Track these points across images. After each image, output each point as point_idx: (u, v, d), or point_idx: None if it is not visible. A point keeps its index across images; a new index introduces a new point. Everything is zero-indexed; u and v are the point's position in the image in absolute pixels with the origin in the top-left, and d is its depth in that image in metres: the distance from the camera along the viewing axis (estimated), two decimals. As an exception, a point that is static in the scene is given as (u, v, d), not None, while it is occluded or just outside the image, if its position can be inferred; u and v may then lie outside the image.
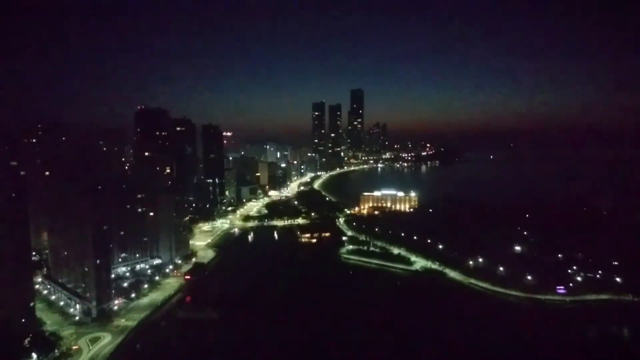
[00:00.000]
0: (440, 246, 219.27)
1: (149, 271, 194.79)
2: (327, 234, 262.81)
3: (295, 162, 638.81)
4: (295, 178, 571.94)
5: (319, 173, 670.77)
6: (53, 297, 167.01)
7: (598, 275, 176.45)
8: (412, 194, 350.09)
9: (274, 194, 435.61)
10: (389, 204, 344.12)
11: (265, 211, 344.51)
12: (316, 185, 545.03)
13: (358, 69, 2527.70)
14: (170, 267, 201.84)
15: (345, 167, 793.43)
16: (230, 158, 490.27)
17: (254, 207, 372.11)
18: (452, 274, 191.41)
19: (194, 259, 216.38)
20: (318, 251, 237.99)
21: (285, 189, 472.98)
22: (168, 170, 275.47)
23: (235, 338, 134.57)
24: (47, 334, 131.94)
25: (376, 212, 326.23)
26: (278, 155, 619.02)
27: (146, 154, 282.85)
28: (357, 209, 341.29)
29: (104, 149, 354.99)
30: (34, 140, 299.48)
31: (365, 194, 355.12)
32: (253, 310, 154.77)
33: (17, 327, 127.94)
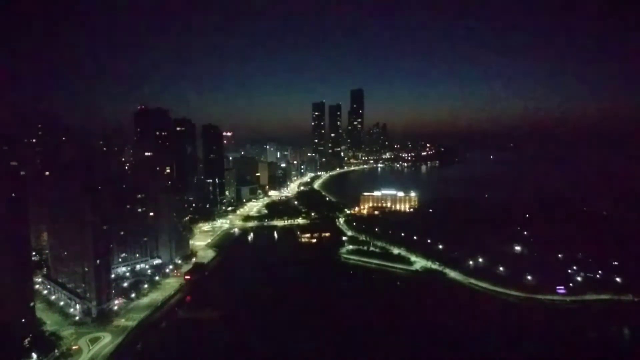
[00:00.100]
0: (440, 246, 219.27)
1: (149, 271, 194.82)
2: (327, 234, 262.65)
3: (295, 162, 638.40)
4: (295, 178, 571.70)
5: (319, 173, 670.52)
6: (53, 297, 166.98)
7: (598, 275, 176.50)
8: (412, 194, 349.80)
9: (274, 194, 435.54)
10: (389, 204, 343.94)
11: (265, 211, 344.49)
12: (316, 185, 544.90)
13: (358, 69, 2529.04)
14: (170, 267, 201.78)
15: (345, 167, 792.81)
16: (230, 158, 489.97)
17: (254, 207, 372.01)
18: (452, 274, 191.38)
19: (194, 259, 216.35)
20: (318, 251, 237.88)
21: (285, 189, 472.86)
22: (168, 170, 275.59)
23: (235, 338, 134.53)
24: (47, 334, 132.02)
25: (376, 212, 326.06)
26: (278, 155, 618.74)
27: (146, 154, 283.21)
28: (357, 209, 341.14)
29: (104, 149, 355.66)
30: (34, 140, 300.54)
31: (365, 194, 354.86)
32: (253, 310, 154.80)
33: (17, 327, 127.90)
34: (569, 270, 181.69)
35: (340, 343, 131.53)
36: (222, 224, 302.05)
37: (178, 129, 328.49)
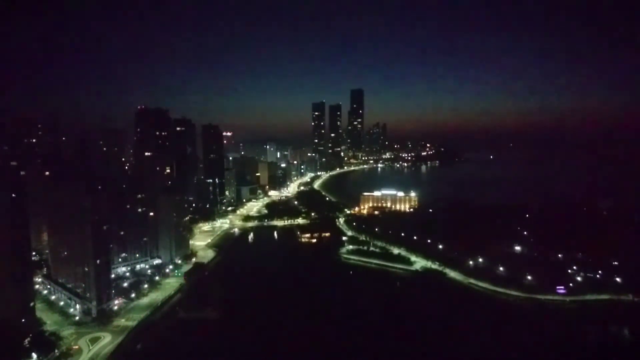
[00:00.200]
0: (440, 246, 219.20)
1: (149, 271, 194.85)
2: (327, 234, 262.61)
3: (295, 162, 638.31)
4: (295, 178, 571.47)
5: (319, 173, 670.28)
6: (53, 297, 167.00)
7: (598, 275, 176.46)
8: (412, 194, 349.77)
9: (274, 194, 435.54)
10: (389, 204, 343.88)
11: (265, 211, 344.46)
12: (316, 185, 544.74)
13: (358, 69, 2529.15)
14: (170, 267, 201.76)
15: (345, 167, 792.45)
16: (230, 158, 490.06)
17: (254, 207, 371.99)
18: (452, 274, 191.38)
19: (194, 259, 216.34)
20: (318, 251, 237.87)
21: (285, 189, 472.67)
22: (168, 170, 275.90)
23: (235, 338, 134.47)
24: (47, 334, 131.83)
25: (376, 212, 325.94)
26: (278, 155, 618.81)
27: (146, 154, 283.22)
28: (357, 209, 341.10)
29: (104, 149, 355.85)
30: (34, 140, 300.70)
31: (365, 194, 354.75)
32: (253, 310, 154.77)
33: (17, 327, 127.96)
34: (569, 270, 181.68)
35: (341, 343, 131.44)
36: (222, 224, 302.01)
37: (178, 129, 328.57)
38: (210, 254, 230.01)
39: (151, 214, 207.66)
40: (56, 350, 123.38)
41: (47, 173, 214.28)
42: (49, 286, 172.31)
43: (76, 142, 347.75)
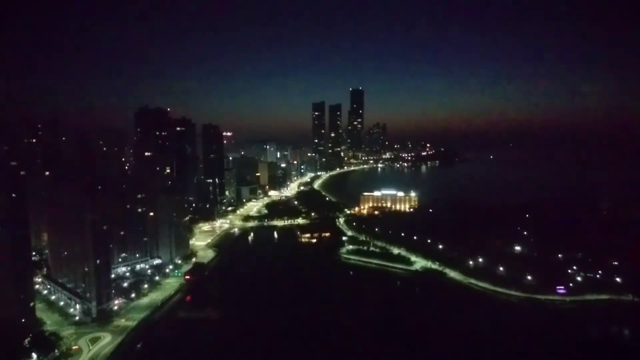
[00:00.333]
0: (440, 246, 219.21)
1: (149, 271, 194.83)
2: (327, 234, 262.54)
3: (295, 162, 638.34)
4: (295, 178, 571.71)
5: (319, 173, 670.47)
6: (53, 297, 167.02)
7: (598, 275, 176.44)
8: (412, 194, 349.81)
9: (274, 194, 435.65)
10: (389, 204, 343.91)
11: (265, 211, 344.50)
12: (316, 185, 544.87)
13: (358, 69, 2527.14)
14: (170, 267, 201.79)
15: (345, 167, 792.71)
16: (230, 158, 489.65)
17: (254, 207, 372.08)
18: (452, 274, 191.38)
19: (194, 259, 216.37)
20: (318, 251, 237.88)
21: (285, 189, 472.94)
22: (168, 170, 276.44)
23: (235, 338, 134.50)
24: (47, 334, 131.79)
25: (376, 212, 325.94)
26: (278, 155, 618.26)
27: (146, 154, 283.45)
28: (357, 209, 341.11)
29: (104, 149, 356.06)
30: (34, 140, 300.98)
31: (365, 194, 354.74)
32: (253, 310, 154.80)
33: (17, 327, 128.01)
34: (569, 270, 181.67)
35: (340, 343, 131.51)
36: (222, 224, 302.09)
37: (178, 129, 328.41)
38: (210, 254, 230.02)
39: (151, 214, 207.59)
40: (56, 350, 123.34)
41: (47, 173, 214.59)
42: (49, 286, 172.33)
43: (76, 142, 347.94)
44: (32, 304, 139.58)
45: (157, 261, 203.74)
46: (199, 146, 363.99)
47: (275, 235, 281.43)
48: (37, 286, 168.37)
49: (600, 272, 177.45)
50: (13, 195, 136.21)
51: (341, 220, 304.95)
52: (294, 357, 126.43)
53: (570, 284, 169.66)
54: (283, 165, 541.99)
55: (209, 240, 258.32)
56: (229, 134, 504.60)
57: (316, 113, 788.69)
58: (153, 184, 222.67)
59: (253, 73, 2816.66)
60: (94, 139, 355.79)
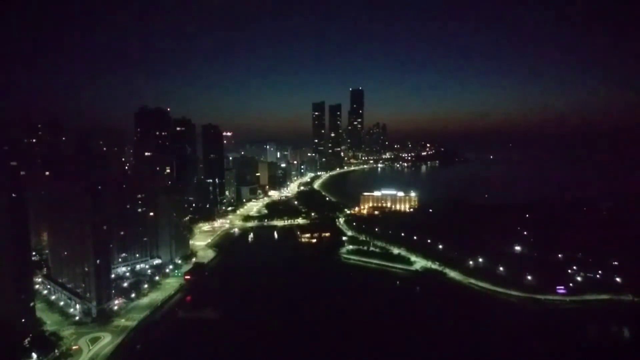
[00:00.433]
0: (440, 246, 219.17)
1: (149, 271, 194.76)
2: (327, 234, 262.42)
3: (295, 162, 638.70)
4: (295, 178, 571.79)
5: (319, 173, 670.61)
6: (53, 297, 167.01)
7: (598, 275, 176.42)
8: (412, 194, 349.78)
9: (274, 194, 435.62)
10: (389, 204, 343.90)
11: (265, 211, 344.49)
12: (316, 185, 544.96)
13: (358, 69, 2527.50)
14: (170, 267, 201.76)
15: (345, 167, 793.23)
16: (230, 158, 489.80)
17: (254, 207, 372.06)
18: (452, 274, 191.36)
19: (194, 259, 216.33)
20: (318, 251, 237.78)
21: (285, 189, 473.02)
22: (168, 170, 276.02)
23: (235, 338, 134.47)
24: (47, 334, 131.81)
25: (376, 212, 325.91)
26: (278, 155, 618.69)
27: (146, 154, 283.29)
28: (357, 209, 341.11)
29: (104, 149, 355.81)
30: (34, 140, 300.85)
31: (365, 194, 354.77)
32: (253, 310, 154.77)
33: (17, 327, 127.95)
34: (569, 270, 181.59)
35: (340, 343, 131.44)
36: (222, 224, 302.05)
37: (178, 129, 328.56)
38: (210, 254, 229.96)
39: (151, 214, 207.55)
40: (56, 350, 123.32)
41: (47, 173, 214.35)
42: (49, 286, 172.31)
43: (76, 142, 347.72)
44: (32, 304, 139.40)
45: (157, 261, 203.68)
46: (199, 146, 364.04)
47: (275, 235, 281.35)
48: (37, 286, 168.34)
49: (600, 272, 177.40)
50: (13, 195, 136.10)
51: (341, 220, 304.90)
52: (294, 357, 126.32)
53: (570, 284, 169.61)
54: (283, 165, 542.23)
55: (209, 240, 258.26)
56: (229, 134, 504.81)
57: (316, 113, 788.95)
58: (153, 184, 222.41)
59: (253, 73, 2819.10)
60: (94, 139, 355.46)
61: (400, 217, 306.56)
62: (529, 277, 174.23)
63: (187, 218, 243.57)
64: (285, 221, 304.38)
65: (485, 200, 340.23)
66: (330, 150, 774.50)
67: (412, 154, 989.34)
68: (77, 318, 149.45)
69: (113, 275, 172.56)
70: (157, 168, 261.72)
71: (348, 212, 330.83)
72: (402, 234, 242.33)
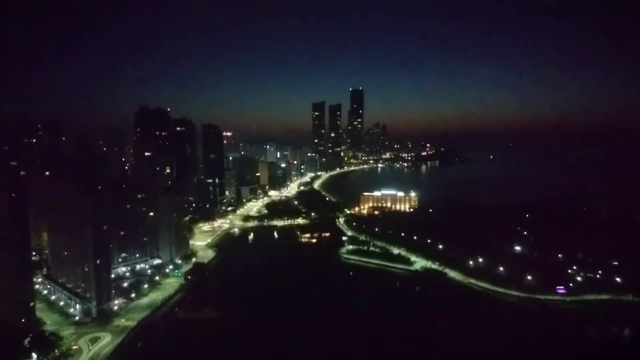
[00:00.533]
0: (440, 246, 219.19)
1: (149, 271, 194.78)
2: (327, 234, 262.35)
3: (295, 162, 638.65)
4: (295, 178, 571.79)
5: (319, 173, 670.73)
6: (53, 297, 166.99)
7: (598, 275, 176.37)
8: (412, 194, 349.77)
9: (274, 194, 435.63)
10: (389, 204, 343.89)
11: (265, 211, 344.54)
12: (316, 185, 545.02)
13: (358, 69, 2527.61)
14: (170, 267, 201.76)
15: (345, 167, 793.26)
16: (230, 158, 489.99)
17: (254, 207, 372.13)
18: (452, 274, 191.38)
19: (194, 259, 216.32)
20: (318, 251, 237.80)
21: (285, 189, 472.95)
22: (168, 170, 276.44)
23: (235, 338, 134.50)
24: (47, 334, 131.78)
25: (376, 212, 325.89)
26: (278, 155, 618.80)
27: (146, 154, 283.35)
28: (357, 209, 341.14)
29: (104, 149, 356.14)
30: (34, 140, 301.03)
31: (365, 194, 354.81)
32: (253, 310, 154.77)
33: (17, 327, 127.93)
34: (569, 270, 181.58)
35: (340, 343, 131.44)
36: (222, 224, 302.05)
37: (178, 129, 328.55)
38: (210, 254, 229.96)
39: (151, 214, 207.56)
40: (56, 350, 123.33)
41: (47, 173, 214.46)
42: (49, 286, 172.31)
43: (76, 142, 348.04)
44: (32, 304, 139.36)
45: (157, 261, 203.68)
46: (199, 146, 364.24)
47: (275, 235, 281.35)
48: (37, 286, 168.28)
49: (600, 272, 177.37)
50: (13, 195, 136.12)
51: (341, 220, 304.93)
52: (294, 356, 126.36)
53: (570, 284, 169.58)
54: (283, 165, 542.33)
55: (209, 240, 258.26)
56: (229, 134, 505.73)
57: (316, 113, 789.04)
58: (153, 184, 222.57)
59: (253, 73, 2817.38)
60: (94, 139, 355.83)
61: (400, 217, 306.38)
62: (529, 277, 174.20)
63: (187, 218, 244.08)
64: (285, 221, 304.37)
65: (485, 200, 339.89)
66: (330, 150, 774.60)
67: (412, 154, 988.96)
68: (77, 318, 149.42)
69: (113, 275, 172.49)
70: (157, 168, 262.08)
71: (348, 212, 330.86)
72: (402, 234, 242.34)
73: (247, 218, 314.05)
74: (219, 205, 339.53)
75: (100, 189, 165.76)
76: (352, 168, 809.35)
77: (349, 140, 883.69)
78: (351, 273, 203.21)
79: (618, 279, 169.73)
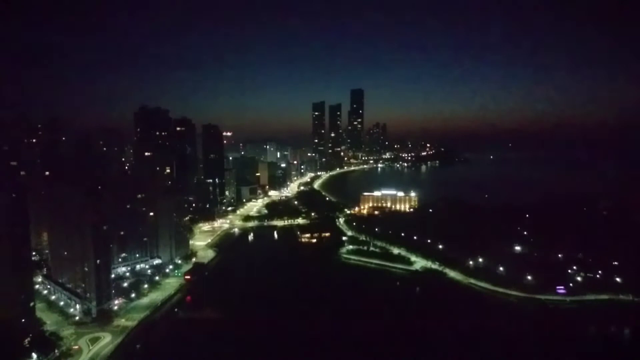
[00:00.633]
0: (440, 246, 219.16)
1: (149, 271, 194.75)
2: (327, 234, 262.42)
3: (295, 162, 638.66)
4: (295, 178, 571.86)
5: (319, 173, 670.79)
6: (53, 297, 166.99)
7: (598, 275, 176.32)
8: (412, 194, 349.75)
9: (274, 194, 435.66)
10: (389, 204, 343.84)
11: (265, 211, 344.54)
12: (316, 185, 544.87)
13: (358, 69, 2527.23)
14: (170, 267, 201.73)
15: (345, 167, 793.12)
16: (230, 158, 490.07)
17: (254, 207, 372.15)
18: (452, 274, 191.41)
19: (194, 259, 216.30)
20: (318, 251, 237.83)
21: (285, 189, 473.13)
22: (168, 170, 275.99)
23: (235, 338, 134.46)
24: (47, 334, 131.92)
25: (376, 212, 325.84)
26: (278, 155, 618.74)
27: (146, 154, 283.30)
28: (357, 209, 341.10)
29: (104, 149, 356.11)
30: (34, 140, 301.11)
31: (365, 194, 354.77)
32: (253, 310, 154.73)
33: (17, 327, 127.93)
34: (569, 270, 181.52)
35: (340, 343, 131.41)
36: (222, 224, 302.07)
37: (178, 129, 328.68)
38: (210, 254, 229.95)
39: (151, 214, 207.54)
40: (56, 350, 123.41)
41: (47, 173, 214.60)
42: (49, 286, 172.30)
43: (76, 142, 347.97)
44: (32, 304, 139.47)
45: (157, 261, 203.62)
46: (199, 146, 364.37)
47: (275, 235, 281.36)
48: (37, 286, 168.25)
49: (600, 272, 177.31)
50: (13, 195, 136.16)
51: (341, 220, 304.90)
52: (294, 356, 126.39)
53: (570, 284, 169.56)
54: (283, 165, 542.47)
55: (209, 240, 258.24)
56: (229, 134, 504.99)
57: (316, 113, 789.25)
58: (153, 184, 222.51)
59: (253, 73, 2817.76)
60: (94, 139, 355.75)
61: (400, 217, 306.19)
62: (529, 277, 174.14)
63: (187, 218, 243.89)
64: (285, 221, 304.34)
65: (485, 201, 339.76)
66: (330, 150, 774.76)
67: (412, 154, 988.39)
68: (77, 318, 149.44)
69: (113, 275, 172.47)
70: (157, 168, 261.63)
71: (348, 212, 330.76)
72: (402, 234, 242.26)
73: (247, 218, 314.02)
74: (219, 205, 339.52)
75: (100, 189, 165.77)
76: (352, 168, 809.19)
77: (349, 140, 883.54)
78: (351, 273, 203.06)
79: (618, 279, 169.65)
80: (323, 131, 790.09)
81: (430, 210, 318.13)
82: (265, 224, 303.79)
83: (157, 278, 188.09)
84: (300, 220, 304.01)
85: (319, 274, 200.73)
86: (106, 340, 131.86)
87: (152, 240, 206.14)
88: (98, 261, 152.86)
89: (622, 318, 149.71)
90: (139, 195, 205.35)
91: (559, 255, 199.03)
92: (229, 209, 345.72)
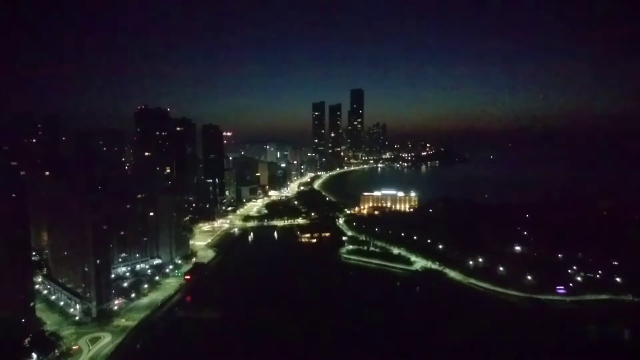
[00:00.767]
0: (440, 246, 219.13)
1: (149, 271, 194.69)
2: (327, 234, 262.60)
3: (295, 162, 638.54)
4: (295, 178, 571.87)
5: (319, 173, 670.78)
6: (53, 297, 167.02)
7: (598, 275, 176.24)
8: (412, 194, 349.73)
9: (274, 194, 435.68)
10: (389, 204, 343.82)
11: (265, 211, 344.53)
12: (316, 185, 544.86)
13: (358, 69, 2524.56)
14: (170, 267, 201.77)
15: (345, 167, 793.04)
16: (230, 158, 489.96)
17: (254, 207, 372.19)
18: (452, 274, 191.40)
19: (194, 259, 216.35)
20: (318, 251, 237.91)
21: (285, 189, 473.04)
22: (168, 170, 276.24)
23: (235, 338, 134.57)
24: (47, 334, 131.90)
25: (376, 212, 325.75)
26: (278, 155, 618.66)
27: (146, 154, 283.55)
28: (357, 209, 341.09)
29: (104, 149, 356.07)
30: (34, 140, 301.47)
31: (365, 194, 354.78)
32: (253, 310, 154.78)
33: (17, 327, 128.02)
34: (569, 270, 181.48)
35: (340, 343, 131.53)
36: (222, 224, 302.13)
37: (178, 129, 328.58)
38: (210, 254, 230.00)
39: (151, 214, 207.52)
40: (56, 350, 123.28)
41: (47, 173, 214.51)
42: (49, 286, 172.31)
43: (76, 142, 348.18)
44: (32, 304, 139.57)
45: (157, 261, 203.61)
46: (199, 146, 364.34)
47: (275, 235, 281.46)
48: (37, 286, 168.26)
49: (600, 272, 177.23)
50: (13, 195, 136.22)
51: (341, 220, 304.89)
52: (294, 357, 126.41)
53: (570, 284, 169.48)
54: (283, 165, 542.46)
55: (209, 240, 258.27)
56: (229, 134, 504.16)
57: (316, 113, 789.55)
58: (153, 184, 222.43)
59: (253, 73, 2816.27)
60: (94, 139, 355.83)
61: (400, 217, 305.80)
62: (529, 277, 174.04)
63: (187, 218, 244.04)
64: (285, 221, 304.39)
65: (485, 200, 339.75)
66: (330, 150, 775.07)
67: (412, 154, 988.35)
68: (77, 318, 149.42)
69: (113, 275, 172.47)
70: (157, 168, 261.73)
71: (348, 212, 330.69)
72: (402, 234, 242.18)
73: (247, 218, 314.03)
74: (219, 205, 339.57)
75: (100, 189, 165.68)
76: (352, 168, 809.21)
77: (349, 140, 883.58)
78: (351, 273, 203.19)
79: (618, 279, 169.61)
80: (323, 131, 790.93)
81: (430, 210, 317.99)
82: (265, 224, 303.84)
83: (157, 278, 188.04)
84: (300, 220, 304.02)
85: (318, 273, 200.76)
86: (106, 340, 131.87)
87: (152, 241, 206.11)
88: (98, 261, 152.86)
89: (622, 318, 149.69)
90: (139, 195, 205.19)
91: (559, 255, 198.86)
92: (229, 209, 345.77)
